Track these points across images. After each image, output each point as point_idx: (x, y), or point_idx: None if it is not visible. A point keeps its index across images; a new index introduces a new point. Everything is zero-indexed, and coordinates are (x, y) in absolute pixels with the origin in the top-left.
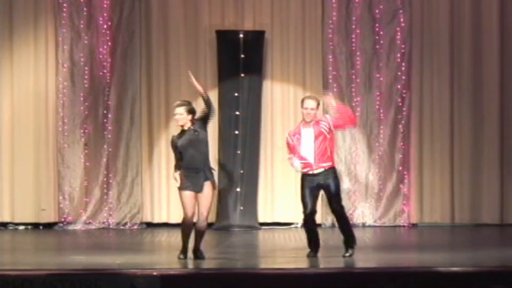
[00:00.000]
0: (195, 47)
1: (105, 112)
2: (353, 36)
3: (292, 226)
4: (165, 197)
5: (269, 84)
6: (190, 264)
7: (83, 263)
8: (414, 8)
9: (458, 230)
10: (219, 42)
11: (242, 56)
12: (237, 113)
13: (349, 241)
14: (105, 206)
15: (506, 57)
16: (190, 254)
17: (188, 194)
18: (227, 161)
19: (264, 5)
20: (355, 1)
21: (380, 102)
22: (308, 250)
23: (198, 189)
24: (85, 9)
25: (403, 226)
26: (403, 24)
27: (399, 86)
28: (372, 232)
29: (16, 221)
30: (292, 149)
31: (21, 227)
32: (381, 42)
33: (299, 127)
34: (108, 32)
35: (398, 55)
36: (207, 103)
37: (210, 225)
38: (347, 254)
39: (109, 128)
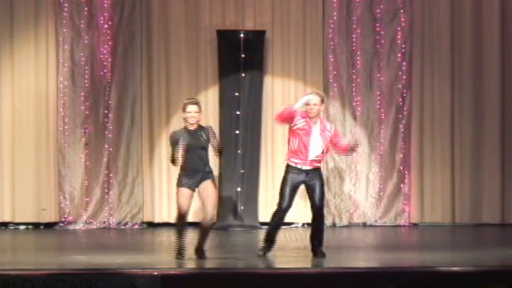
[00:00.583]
0: (195, 47)
1: (105, 111)
2: (354, 35)
3: (292, 226)
4: (166, 197)
5: (270, 83)
6: (191, 264)
7: (83, 263)
8: (415, 7)
9: (459, 230)
10: (220, 41)
11: (243, 55)
12: (238, 113)
13: (323, 240)
14: (105, 206)
15: (507, 57)
16: (188, 253)
17: (184, 191)
18: (227, 160)
19: (264, 5)
20: (355, 0)
21: (380, 102)
22: (262, 245)
23: (194, 186)
24: (85, 8)
25: (404, 226)
26: (404, 24)
27: (399, 86)
28: (373, 232)
29: (17, 220)
30: (291, 114)
31: (22, 227)
32: (382, 41)
33: (307, 121)
34: (108, 31)
35: (399, 54)
36: (220, 152)
37: None
38: (322, 255)
39: (110, 127)
